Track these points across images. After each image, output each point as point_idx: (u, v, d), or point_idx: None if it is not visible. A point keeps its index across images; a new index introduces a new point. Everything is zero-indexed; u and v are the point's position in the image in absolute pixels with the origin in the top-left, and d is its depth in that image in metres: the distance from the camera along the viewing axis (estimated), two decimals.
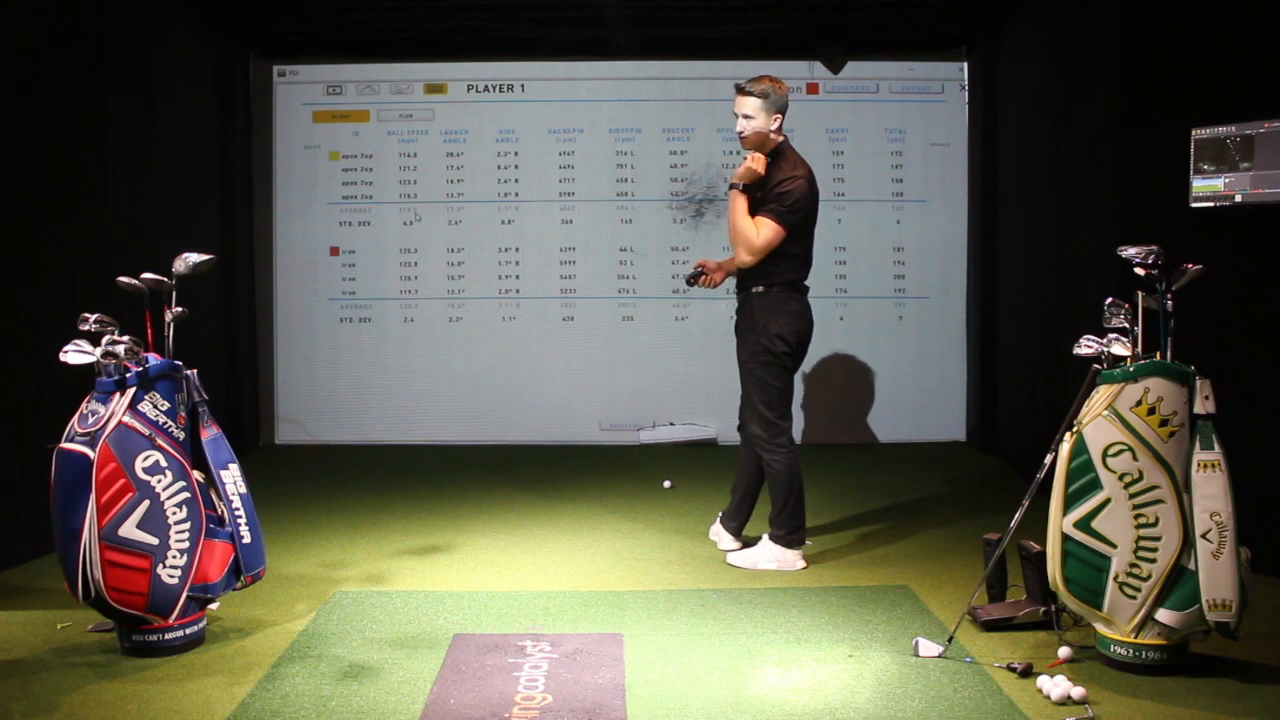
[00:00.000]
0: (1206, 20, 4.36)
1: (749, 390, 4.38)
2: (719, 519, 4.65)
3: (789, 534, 4.33)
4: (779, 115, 4.24)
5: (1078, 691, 3.07)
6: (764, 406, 4.32)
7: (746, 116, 4.23)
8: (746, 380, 4.39)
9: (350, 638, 3.59)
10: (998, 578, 3.71)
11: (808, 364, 6.55)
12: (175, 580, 3.36)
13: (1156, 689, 3.15)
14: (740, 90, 4.25)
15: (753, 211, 4.24)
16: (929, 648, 3.42)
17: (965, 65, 6.82)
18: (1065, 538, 3.26)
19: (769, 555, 4.34)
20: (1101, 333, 3.32)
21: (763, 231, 4.19)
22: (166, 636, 3.40)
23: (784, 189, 4.19)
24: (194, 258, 3.59)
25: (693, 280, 4.61)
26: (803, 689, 3.18)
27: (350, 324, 6.95)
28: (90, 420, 3.30)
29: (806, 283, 4.39)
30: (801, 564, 4.35)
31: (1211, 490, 3.13)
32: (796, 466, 4.33)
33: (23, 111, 4.43)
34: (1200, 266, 3.29)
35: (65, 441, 3.30)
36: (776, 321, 4.27)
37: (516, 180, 6.92)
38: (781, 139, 4.31)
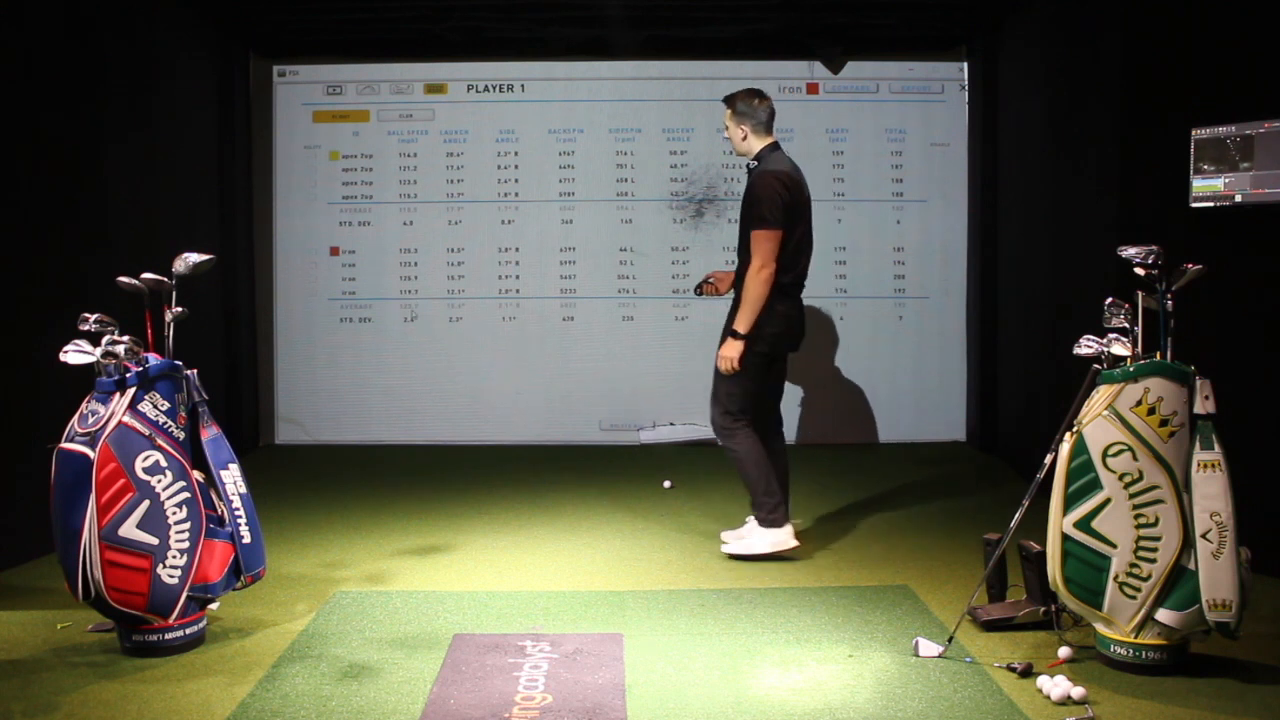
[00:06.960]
0: (1206, 20, 4.36)
1: (716, 381, 4.41)
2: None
3: (769, 514, 4.38)
4: (745, 126, 4.41)
5: (1078, 691, 3.07)
6: (727, 399, 4.40)
7: (726, 127, 4.50)
8: (717, 371, 4.40)
9: (350, 638, 3.59)
10: (998, 578, 3.71)
11: (808, 364, 6.56)
12: (175, 580, 3.36)
13: (1156, 689, 3.15)
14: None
15: (743, 223, 4.37)
16: (929, 648, 3.42)
17: (965, 65, 6.82)
18: (1065, 538, 3.26)
19: (761, 540, 4.39)
20: (1101, 333, 3.32)
21: (756, 248, 4.26)
22: (166, 636, 3.40)
23: (757, 194, 4.30)
24: (194, 258, 3.59)
25: (700, 289, 4.70)
26: (803, 689, 3.18)
27: (350, 324, 6.96)
28: (90, 420, 3.30)
29: (799, 284, 4.40)
30: (794, 542, 4.38)
31: (1211, 490, 3.13)
32: (757, 446, 4.38)
33: (23, 111, 4.43)
34: (1200, 266, 3.29)
35: (65, 441, 3.30)
36: None
37: (516, 180, 6.92)
38: (763, 145, 4.42)
